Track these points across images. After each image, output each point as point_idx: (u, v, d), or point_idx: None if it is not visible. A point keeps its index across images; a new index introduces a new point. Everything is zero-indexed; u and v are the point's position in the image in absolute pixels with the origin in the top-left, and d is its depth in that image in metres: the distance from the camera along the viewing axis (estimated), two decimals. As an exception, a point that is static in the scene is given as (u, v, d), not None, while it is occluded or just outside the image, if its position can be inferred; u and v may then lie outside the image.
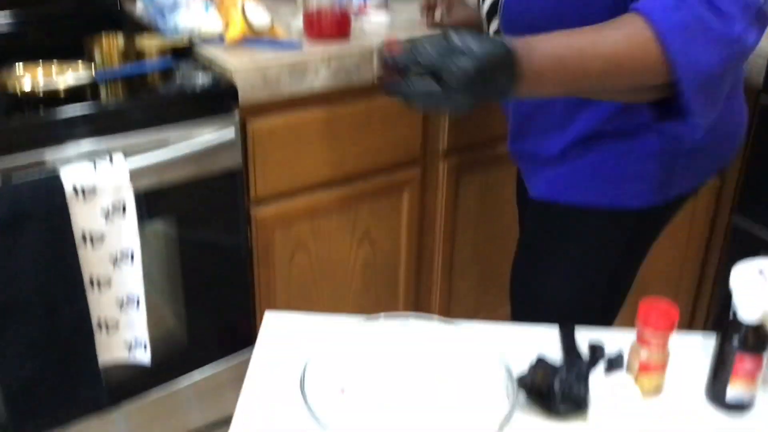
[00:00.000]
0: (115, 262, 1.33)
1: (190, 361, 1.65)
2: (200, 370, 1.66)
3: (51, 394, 1.38)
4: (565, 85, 0.95)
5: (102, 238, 1.29)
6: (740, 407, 1.00)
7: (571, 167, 1.24)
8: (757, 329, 0.96)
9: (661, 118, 1.05)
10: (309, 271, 1.74)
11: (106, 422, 1.56)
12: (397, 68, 0.88)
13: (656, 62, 0.94)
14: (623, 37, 0.94)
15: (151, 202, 1.42)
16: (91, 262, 1.31)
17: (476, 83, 0.86)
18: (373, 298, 1.86)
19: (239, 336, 1.68)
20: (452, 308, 2.01)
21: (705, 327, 1.80)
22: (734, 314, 0.97)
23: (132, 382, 1.58)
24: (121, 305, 1.37)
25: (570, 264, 1.29)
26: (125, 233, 1.31)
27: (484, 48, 0.86)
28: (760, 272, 1.01)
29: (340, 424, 0.84)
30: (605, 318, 1.35)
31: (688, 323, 1.89)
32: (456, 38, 0.87)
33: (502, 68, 0.88)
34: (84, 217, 1.27)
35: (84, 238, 1.28)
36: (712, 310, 1.83)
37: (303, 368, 0.90)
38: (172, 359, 1.61)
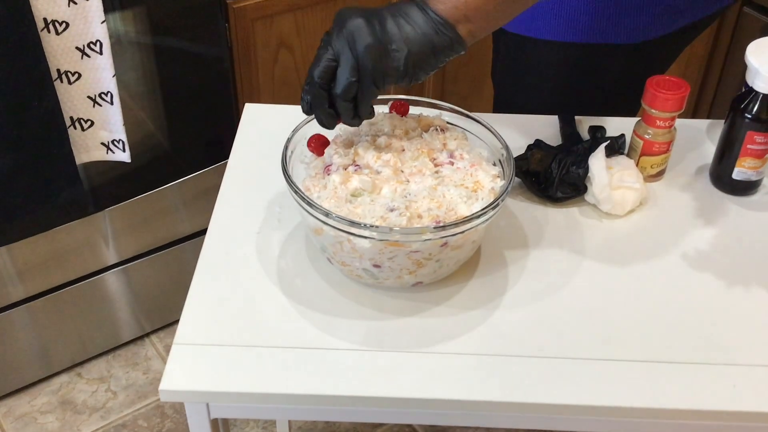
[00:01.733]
0: (83, 52, 1.23)
1: (174, 169, 1.60)
2: (185, 177, 1.62)
3: (29, 195, 1.34)
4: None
5: (66, 24, 1.19)
6: (746, 187, 0.96)
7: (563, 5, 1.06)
8: (771, 104, 0.90)
9: None
10: (294, 72, 1.66)
11: (91, 227, 1.54)
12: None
13: None
14: None
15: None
16: (57, 51, 1.21)
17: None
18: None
19: (223, 143, 1.61)
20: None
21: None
22: (747, 88, 0.90)
23: (116, 189, 1.54)
24: (94, 101, 1.29)
25: (558, 94, 1.16)
26: (91, 20, 1.21)
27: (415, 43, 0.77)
28: (779, 46, 0.94)
29: (327, 204, 0.80)
30: None
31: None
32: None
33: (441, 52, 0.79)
34: (44, 1, 1.16)
35: (47, 24, 1.18)
36: (715, 107, 1.77)
37: (284, 149, 0.85)
38: (155, 166, 1.56)
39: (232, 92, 1.60)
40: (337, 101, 0.80)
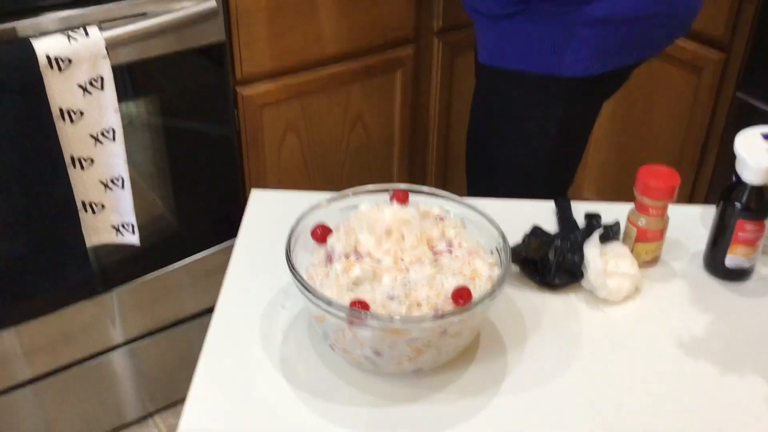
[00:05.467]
0: (97, 139, 1.28)
1: (182, 249, 1.63)
2: (193, 257, 1.65)
3: (39, 277, 1.36)
4: None
5: (81, 113, 1.24)
6: (739, 274, 0.98)
7: (508, 30, 1.22)
8: (760, 194, 0.92)
9: None
10: (300, 154, 1.70)
11: (98, 307, 1.56)
12: None
13: None
14: None
15: (133, 78, 1.36)
16: (71, 139, 1.26)
17: None
18: (367, 183, 1.82)
19: (231, 222, 1.65)
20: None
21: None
22: (737, 178, 0.93)
23: (124, 268, 1.56)
24: (106, 186, 1.33)
25: (514, 128, 1.31)
26: (105, 109, 1.26)
27: None
28: (765, 137, 0.98)
29: (329, 292, 0.82)
30: (557, 181, 1.39)
31: (687, 202, 1.87)
32: None
33: None
34: (60, 92, 1.21)
35: (62, 113, 1.23)
36: (712, 189, 1.80)
37: (288, 238, 0.87)
38: (163, 246, 1.59)
39: (240, 173, 1.64)
40: None
